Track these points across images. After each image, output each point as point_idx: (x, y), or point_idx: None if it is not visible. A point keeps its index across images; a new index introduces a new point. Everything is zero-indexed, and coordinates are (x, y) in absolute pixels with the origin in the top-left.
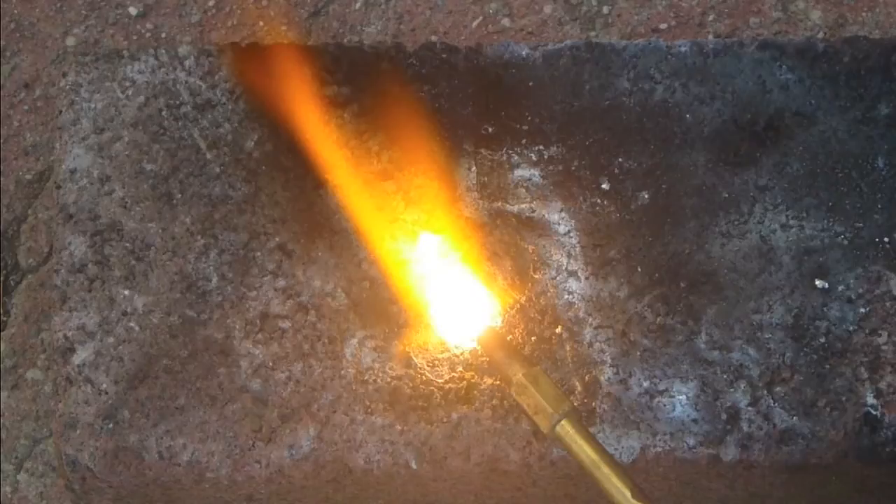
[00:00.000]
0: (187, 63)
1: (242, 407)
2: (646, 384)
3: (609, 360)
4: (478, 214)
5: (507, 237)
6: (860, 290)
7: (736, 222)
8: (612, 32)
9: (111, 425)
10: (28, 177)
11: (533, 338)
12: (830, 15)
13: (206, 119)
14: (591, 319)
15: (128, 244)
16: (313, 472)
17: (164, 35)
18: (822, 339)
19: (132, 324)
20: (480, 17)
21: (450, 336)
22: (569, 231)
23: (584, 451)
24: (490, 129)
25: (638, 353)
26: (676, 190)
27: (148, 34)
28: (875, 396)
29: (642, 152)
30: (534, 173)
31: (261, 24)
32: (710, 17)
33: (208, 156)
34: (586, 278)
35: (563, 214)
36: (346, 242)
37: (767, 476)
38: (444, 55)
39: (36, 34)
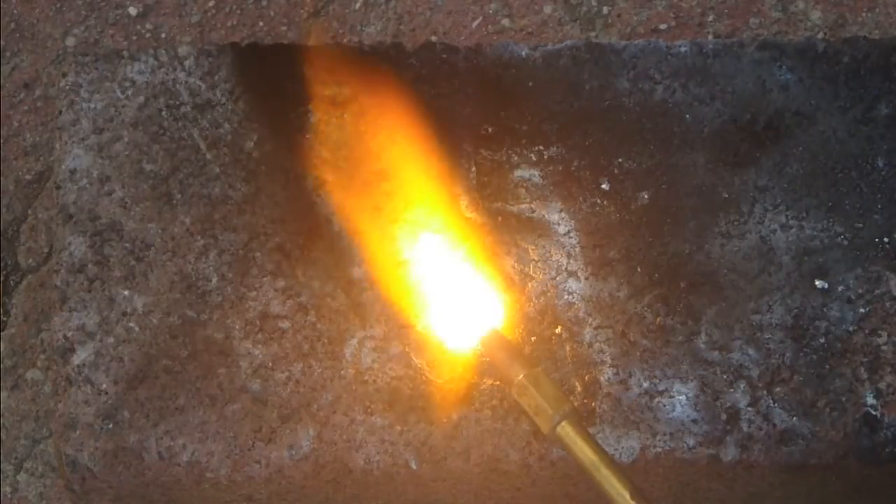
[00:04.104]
0: (187, 63)
1: (242, 407)
2: (646, 384)
3: (609, 361)
4: (478, 214)
5: (507, 237)
6: (860, 291)
7: (736, 222)
8: (611, 33)
9: (111, 425)
10: (28, 177)
11: (533, 338)
12: (830, 15)
13: (206, 119)
14: (591, 319)
15: (128, 244)
16: (313, 473)
17: (164, 35)
18: (822, 340)
19: (132, 324)
20: (480, 18)
21: (450, 336)
22: (569, 231)
23: (584, 452)
24: (490, 129)
25: (638, 354)
26: (676, 190)
27: (148, 34)
28: (875, 396)
29: (642, 152)
30: (534, 173)
31: (261, 24)
32: (710, 18)
33: (208, 156)
34: (586, 278)
35: (563, 214)
36: (345, 243)
37: (767, 476)
38: (444, 55)
39: (36, 34)
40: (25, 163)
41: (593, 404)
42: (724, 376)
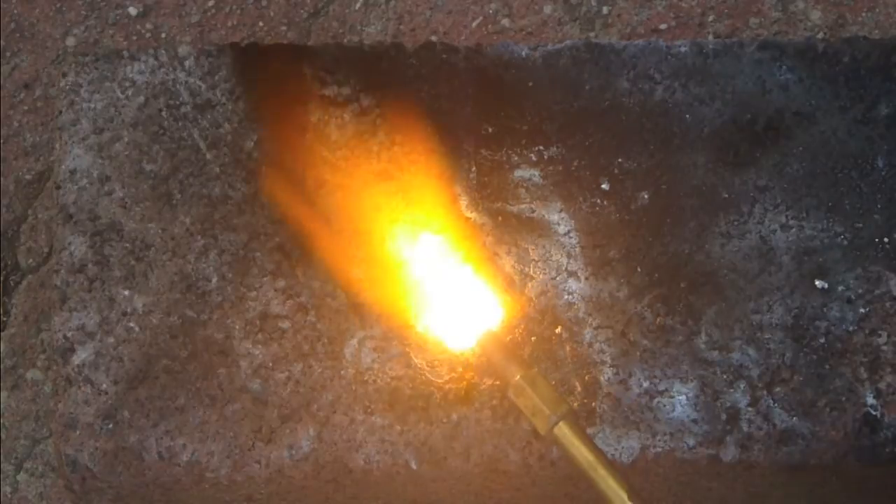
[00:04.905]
0: (187, 63)
1: (242, 407)
2: (646, 384)
3: (609, 361)
4: (478, 214)
5: (507, 237)
6: (860, 291)
7: (736, 222)
8: (611, 33)
9: (111, 425)
10: (28, 177)
11: (533, 338)
12: (830, 15)
13: (206, 119)
14: (591, 319)
15: (128, 244)
16: (313, 472)
17: (164, 35)
18: (822, 340)
19: (132, 324)
20: (480, 17)
21: (449, 336)
22: (569, 231)
23: (581, 452)
24: (490, 129)
25: (638, 353)
26: (676, 190)
27: (148, 34)
28: (875, 396)
29: (642, 152)
30: (534, 173)
31: (261, 24)
32: (710, 18)
33: (208, 156)
34: (586, 278)
35: (563, 214)
36: (346, 243)
37: (767, 476)
38: (444, 55)
39: (36, 34)
40: (25, 163)
41: (593, 404)
42: (724, 376)
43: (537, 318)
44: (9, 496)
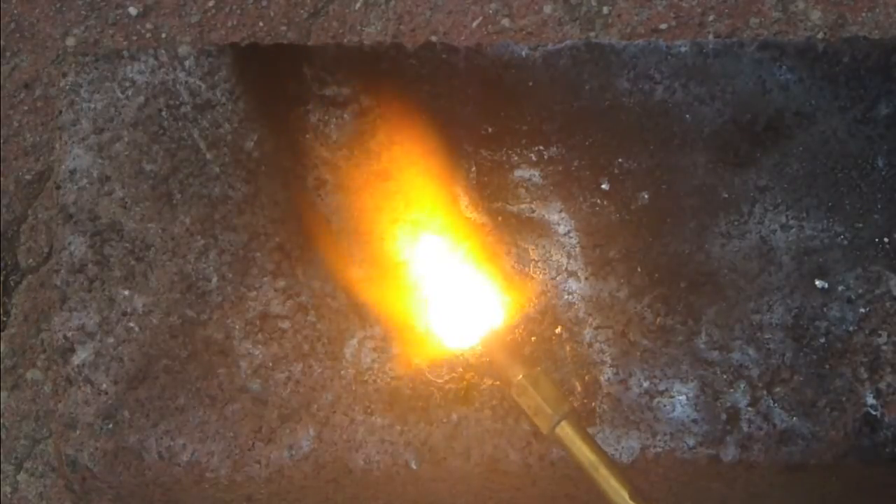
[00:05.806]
0: (187, 63)
1: (242, 407)
2: (646, 384)
3: (609, 361)
4: (478, 214)
5: (507, 237)
6: (860, 291)
7: (736, 222)
8: (612, 33)
9: (111, 425)
10: (28, 177)
11: (533, 338)
12: (830, 15)
13: (206, 119)
14: (590, 319)
15: (128, 244)
16: (313, 473)
17: (164, 35)
18: (822, 340)
19: (132, 324)
20: (480, 18)
21: (450, 337)
22: (569, 231)
23: (583, 452)
24: (490, 129)
25: (638, 354)
26: (676, 190)
27: (148, 34)
28: (875, 396)
29: (642, 152)
30: (534, 173)
31: (261, 24)
32: (710, 18)
33: (208, 156)
34: (586, 278)
35: (563, 214)
36: (346, 243)
37: (767, 476)
38: (444, 55)
39: (36, 34)
40: (25, 163)
41: (593, 404)
42: (724, 376)
43: (537, 318)
44: (9, 496)
